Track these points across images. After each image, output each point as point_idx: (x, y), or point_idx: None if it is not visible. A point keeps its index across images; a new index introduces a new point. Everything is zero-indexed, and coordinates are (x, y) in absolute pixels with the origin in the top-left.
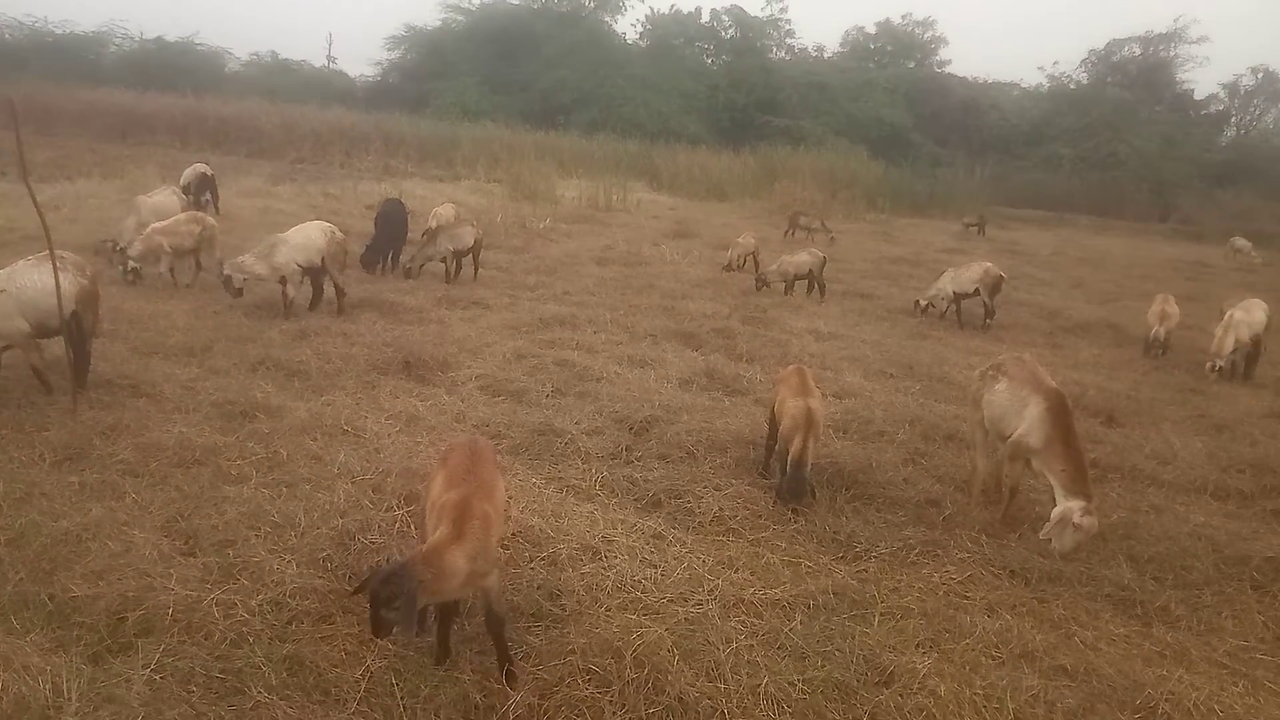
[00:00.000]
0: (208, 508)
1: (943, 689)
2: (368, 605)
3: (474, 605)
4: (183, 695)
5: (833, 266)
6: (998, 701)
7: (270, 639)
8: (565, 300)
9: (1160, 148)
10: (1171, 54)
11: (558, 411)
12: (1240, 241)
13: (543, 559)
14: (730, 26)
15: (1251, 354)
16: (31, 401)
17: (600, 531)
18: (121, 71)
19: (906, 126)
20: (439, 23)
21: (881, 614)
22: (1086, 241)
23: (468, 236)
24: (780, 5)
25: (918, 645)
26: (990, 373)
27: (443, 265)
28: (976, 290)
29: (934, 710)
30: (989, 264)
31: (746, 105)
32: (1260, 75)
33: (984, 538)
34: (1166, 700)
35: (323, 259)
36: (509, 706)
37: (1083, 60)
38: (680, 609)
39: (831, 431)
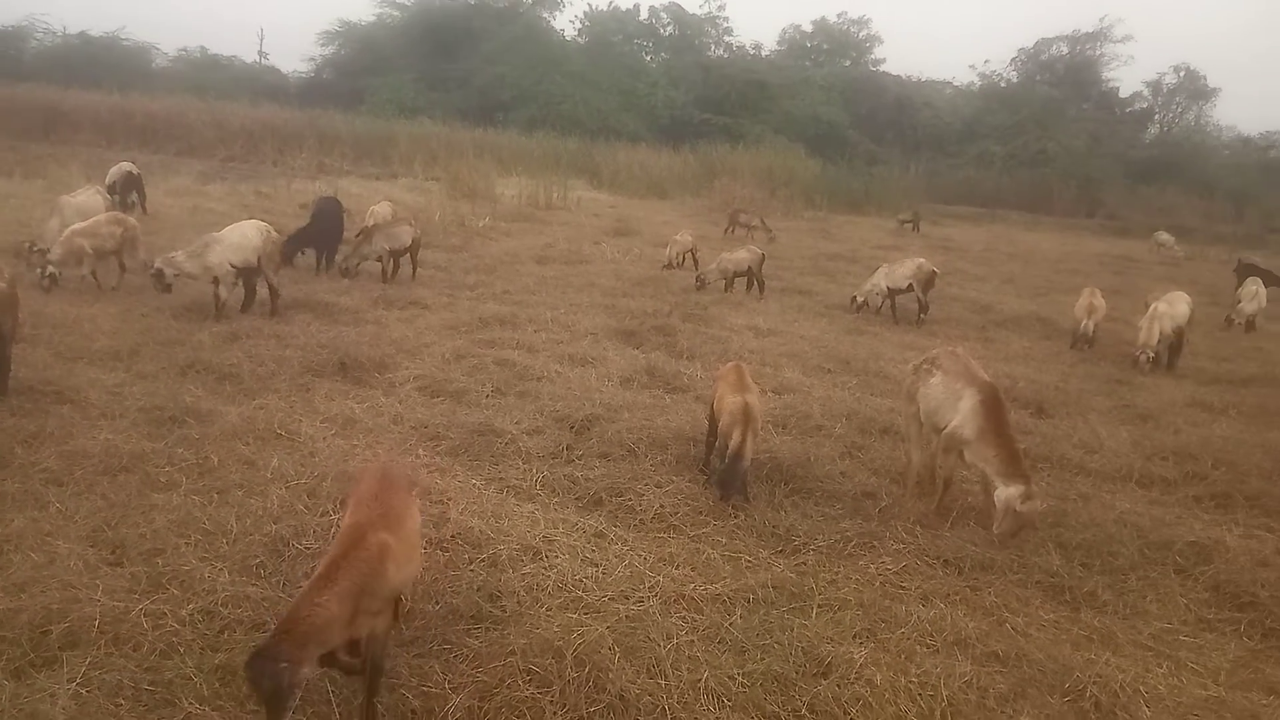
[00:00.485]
0: (135, 516)
1: (879, 678)
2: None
3: (413, 607)
4: (110, 709)
5: (772, 263)
6: (932, 689)
7: (202, 649)
8: (505, 299)
9: (1087, 145)
10: (1097, 53)
11: (498, 411)
12: (1164, 236)
13: (483, 560)
14: (669, 24)
15: (1174, 345)
16: None
17: (541, 531)
18: (43, 67)
19: (843, 124)
20: (374, 18)
21: (819, 606)
22: (1017, 237)
23: (405, 235)
24: (718, 3)
25: (855, 636)
26: (924, 367)
27: (379, 265)
28: (910, 286)
29: (870, 699)
30: (922, 260)
31: (686, 103)
32: (1182, 73)
33: (919, 528)
34: (1094, 683)
35: (259, 259)
36: (447, 710)
37: (1013, 59)
38: (621, 607)
39: (771, 427)
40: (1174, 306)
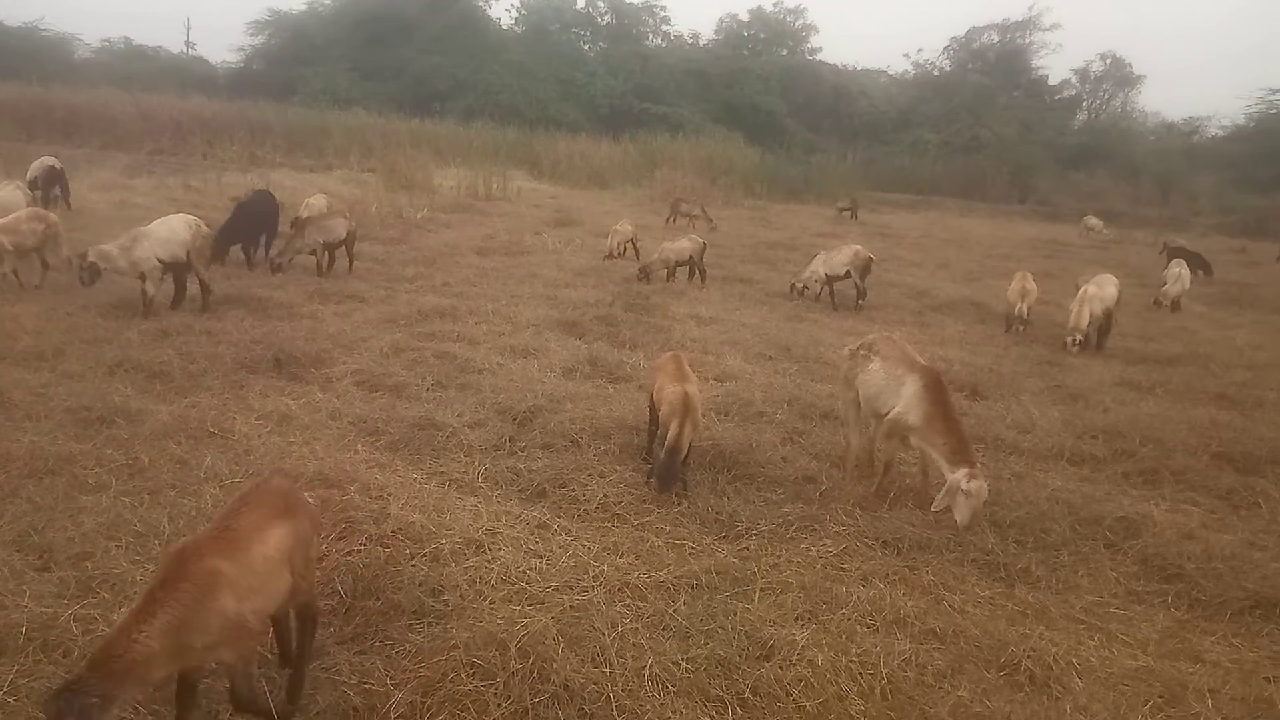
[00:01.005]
0: (63, 519)
1: (820, 658)
2: None
3: (352, 604)
4: (39, 718)
5: (713, 252)
6: (872, 668)
7: None
8: (445, 292)
9: (1018, 132)
10: (1027, 41)
11: (439, 405)
12: (1092, 220)
13: (424, 555)
14: (606, 13)
15: (1103, 326)
16: None
17: (484, 524)
18: None
19: (781, 113)
20: (305, 6)
21: (762, 590)
22: (952, 223)
23: (340, 228)
24: None
25: (796, 618)
26: (861, 352)
27: (314, 258)
28: (848, 272)
29: (812, 680)
30: (859, 247)
31: (625, 92)
32: (1109, 61)
33: (858, 511)
34: (1029, 656)
35: (188, 254)
36: (390, 707)
37: (945, 47)
38: (566, 597)
39: (713, 414)
40: (1103, 289)
